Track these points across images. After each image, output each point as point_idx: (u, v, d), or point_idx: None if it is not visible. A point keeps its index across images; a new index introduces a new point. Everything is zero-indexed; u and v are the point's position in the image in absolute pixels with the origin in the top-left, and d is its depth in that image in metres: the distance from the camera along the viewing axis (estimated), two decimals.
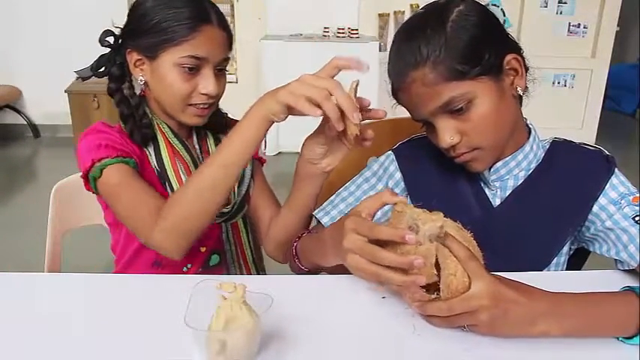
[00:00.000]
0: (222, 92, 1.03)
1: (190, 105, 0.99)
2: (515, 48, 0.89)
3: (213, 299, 0.67)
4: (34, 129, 4.30)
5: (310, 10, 4.01)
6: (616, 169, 0.93)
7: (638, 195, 0.90)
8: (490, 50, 0.84)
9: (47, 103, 4.16)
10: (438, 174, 1.00)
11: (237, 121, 1.17)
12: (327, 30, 3.95)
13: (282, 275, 0.91)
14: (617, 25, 4.08)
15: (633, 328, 0.71)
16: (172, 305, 0.72)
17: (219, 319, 0.65)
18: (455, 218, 0.75)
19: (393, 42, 0.91)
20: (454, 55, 0.82)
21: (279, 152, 3.92)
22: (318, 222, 1.03)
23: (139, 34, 0.97)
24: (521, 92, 0.89)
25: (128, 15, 1.01)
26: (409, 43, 0.85)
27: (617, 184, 0.92)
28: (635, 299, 0.72)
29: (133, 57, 0.99)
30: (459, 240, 0.71)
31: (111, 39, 1.01)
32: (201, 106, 1.00)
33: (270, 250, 1.11)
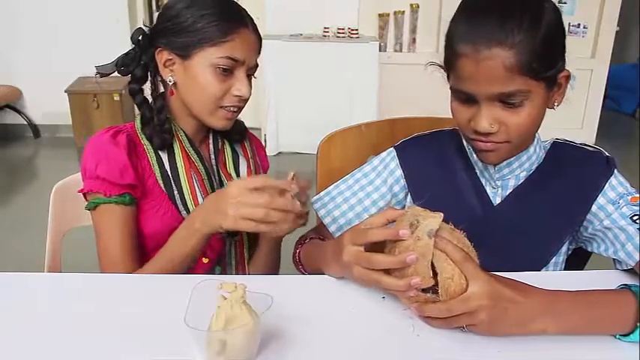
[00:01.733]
0: (249, 98, 1.03)
1: (221, 107, 0.99)
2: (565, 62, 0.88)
3: (213, 299, 0.68)
4: (34, 129, 4.30)
5: (310, 10, 4.00)
6: (615, 170, 0.94)
7: (636, 195, 0.90)
8: (562, 59, 0.85)
9: (47, 103, 4.16)
10: (439, 172, 1.00)
11: (251, 134, 1.19)
12: (327, 30, 3.95)
13: (282, 275, 0.91)
14: (617, 25, 4.08)
15: (629, 325, 0.71)
16: (172, 305, 0.72)
17: (219, 319, 0.66)
18: (452, 218, 0.76)
19: (473, 6, 0.85)
20: (539, 51, 0.80)
21: (279, 152, 3.92)
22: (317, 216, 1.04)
23: (172, 34, 0.97)
24: (555, 107, 0.89)
25: (159, 16, 1.00)
26: (503, 18, 0.80)
27: (616, 184, 0.92)
28: (632, 297, 0.72)
29: (163, 56, 0.99)
30: (452, 242, 0.72)
31: (140, 37, 1.01)
32: (232, 108, 1.00)
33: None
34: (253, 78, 1.04)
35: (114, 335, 0.74)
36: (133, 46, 1.02)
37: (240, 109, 1.02)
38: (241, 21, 0.98)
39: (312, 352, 0.71)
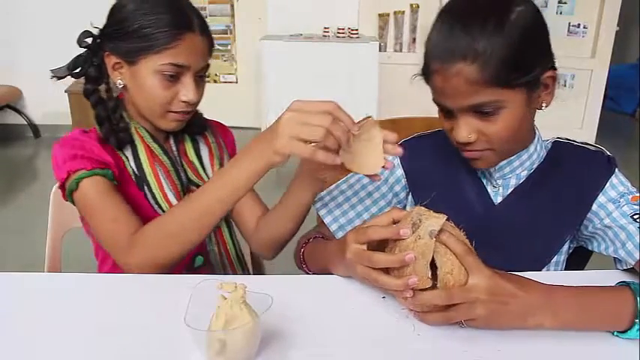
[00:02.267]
0: (201, 98, 1.02)
1: (170, 112, 0.99)
2: (553, 62, 0.87)
3: (213, 299, 0.68)
4: (34, 129, 4.30)
5: (310, 10, 4.01)
6: (616, 169, 0.94)
7: (637, 194, 0.90)
8: (538, 63, 0.83)
9: (47, 103, 4.16)
10: (440, 171, 1.01)
11: (212, 121, 1.17)
12: (327, 30, 3.95)
13: (282, 275, 0.91)
14: (617, 25, 4.07)
15: (626, 322, 0.72)
16: (172, 305, 0.72)
17: (219, 319, 0.66)
18: (453, 217, 0.76)
19: (443, 18, 0.85)
20: (506, 60, 0.78)
21: None
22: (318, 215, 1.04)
23: (118, 38, 0.96)
24: (544, 107, 0.89)
25: (108, 17, 0.99)
26: (465, 30, 0.80)
27: (617, 183, 0.92)
28: (629, 294, 0.73)
29: (111, 60, 0.98)
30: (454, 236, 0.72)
31: (89, 40, 1.00)
32: (181, 112, 0.99)
33: (258, 249, 1.11)
34: (207, 80, 1.03)
35: (114, 335, 0.74)
36: None
37: (189, 112, 1.01)
38: (187, 25, 0.95)
39: (312, 352, 0.71)
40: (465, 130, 0.85)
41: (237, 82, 4.33)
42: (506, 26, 0.79)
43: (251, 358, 0.68)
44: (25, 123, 4.27)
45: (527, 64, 0.81)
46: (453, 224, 0.75)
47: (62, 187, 0.96)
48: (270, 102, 3.82)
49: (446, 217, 0.72)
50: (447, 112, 0.88)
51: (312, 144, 0.77)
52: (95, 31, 1.01)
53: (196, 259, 1.08)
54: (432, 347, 0.72)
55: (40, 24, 4.04)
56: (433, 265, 0.71)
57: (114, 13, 0.98)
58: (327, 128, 0.75)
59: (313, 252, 0.98)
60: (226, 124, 1.22)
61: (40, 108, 4.27)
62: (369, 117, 0.81)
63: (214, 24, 4.19)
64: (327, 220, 1.02)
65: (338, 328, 0.76)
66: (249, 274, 1.21)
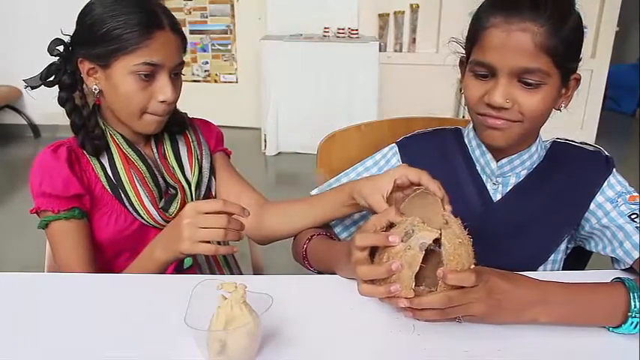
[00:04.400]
0: (178, 97, 1.01)
1: (147, 113, 0.98)
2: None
3: (213, 299, 0.68)
4: (34, 129, 4.30)
5: (310, 10, 4.00)
6: (614, 170, 0.94)
7: (635, 194, 0.91)
8: (578, 58, 0.87)
9: (47, 103, 4.11)
10: (440, 168, 1.00)
11: (195, 119, 1.17)
12: (327, 30, 3.95)
13: (282, 275, 0.91)
14: (617, 25, 4.08)
15: (619, 317, 0.72)
16: (172, 305, 0.72)
17: (219, 319, 0.66)
18: (452, 213, 0.76)
19: None
20: (566, 37, 0.82)
21: (279, 152, 3.91)
22: None
23: (90, 43, 0.95)
24: (562, 108, 0.90)
25: (77, 23, 0.98)
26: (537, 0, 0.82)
27: (615, 183, 0.93)
28: (623, 289, 0.73)
29: (85, 66, 0.97)
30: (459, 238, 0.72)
31: (61, 48, 0.99)
32: (159, 113, 0.99)
33: (257, 236, 1.11)
34: (182, 75, 1.03)
35: (114, 335, 0.74)
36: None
37: (167, 113, 1.01)
38: (156, 23, 0.94)
39: (311, 352, 0.71)
40: (503, 93, 0.84)
41: (237, 82, 4.33)
42: (571, 10, 0.84)
43: (251, 358, 0.69)
44: (25, 123, 4.28)
45: (577, 50, 0.86)
46: (459, 222, 0.75)
47: (36, 212, 0.99)
48: (270, 102, 3.83)
49: (439, 232, 0.71)
50: (484, 76, 0.87)
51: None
52: (66, 39, 1.00)
53: (185, 260, 1.08)
54: (432, 347, 0.72)
55: (41, 24, 4.02)
56: (417, 277, 0.71)
57: (82, 18, 0.97)
58: (224, 227, 0.83)
59: (318, 250, 0.98)
60: (226, 124, 1.22)
61: (39, 108, 4.26)
62: (420, 188, 0.83)
63: (214, 24, 4.19)
64: (332, 221, 1.03)
65: (338, 328, 0.76)
66: (240, 272, 1.21)
